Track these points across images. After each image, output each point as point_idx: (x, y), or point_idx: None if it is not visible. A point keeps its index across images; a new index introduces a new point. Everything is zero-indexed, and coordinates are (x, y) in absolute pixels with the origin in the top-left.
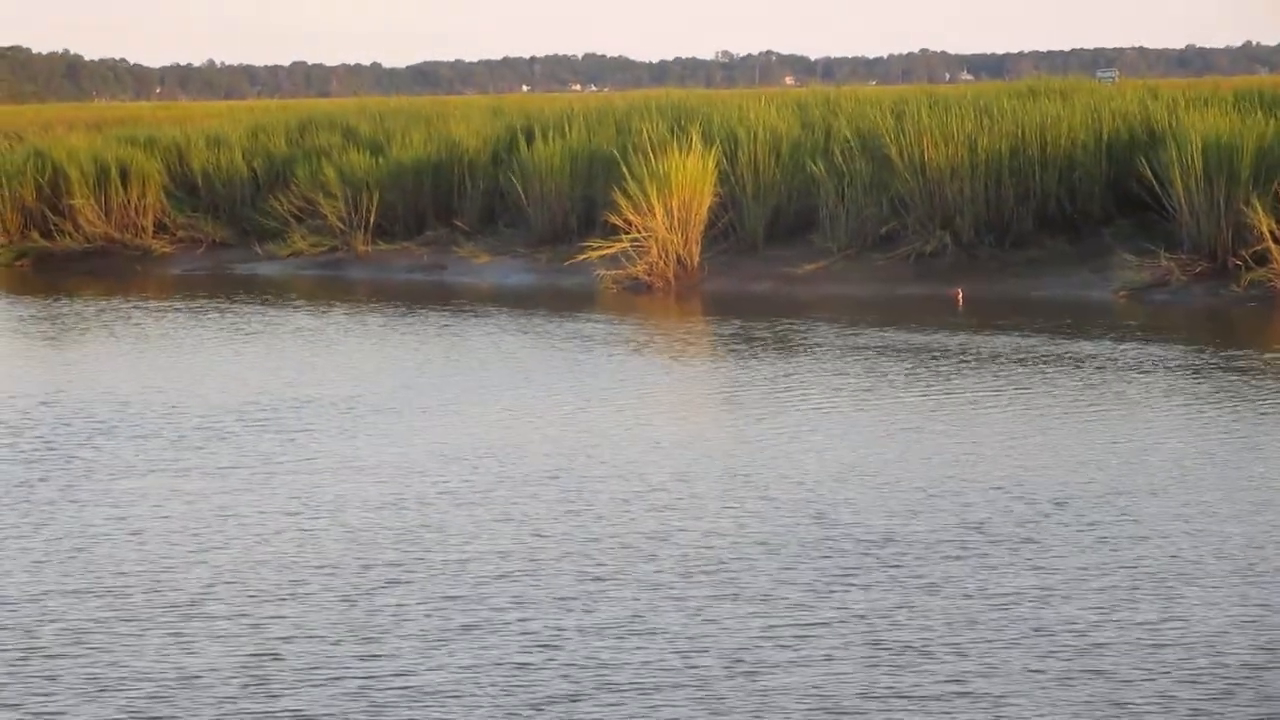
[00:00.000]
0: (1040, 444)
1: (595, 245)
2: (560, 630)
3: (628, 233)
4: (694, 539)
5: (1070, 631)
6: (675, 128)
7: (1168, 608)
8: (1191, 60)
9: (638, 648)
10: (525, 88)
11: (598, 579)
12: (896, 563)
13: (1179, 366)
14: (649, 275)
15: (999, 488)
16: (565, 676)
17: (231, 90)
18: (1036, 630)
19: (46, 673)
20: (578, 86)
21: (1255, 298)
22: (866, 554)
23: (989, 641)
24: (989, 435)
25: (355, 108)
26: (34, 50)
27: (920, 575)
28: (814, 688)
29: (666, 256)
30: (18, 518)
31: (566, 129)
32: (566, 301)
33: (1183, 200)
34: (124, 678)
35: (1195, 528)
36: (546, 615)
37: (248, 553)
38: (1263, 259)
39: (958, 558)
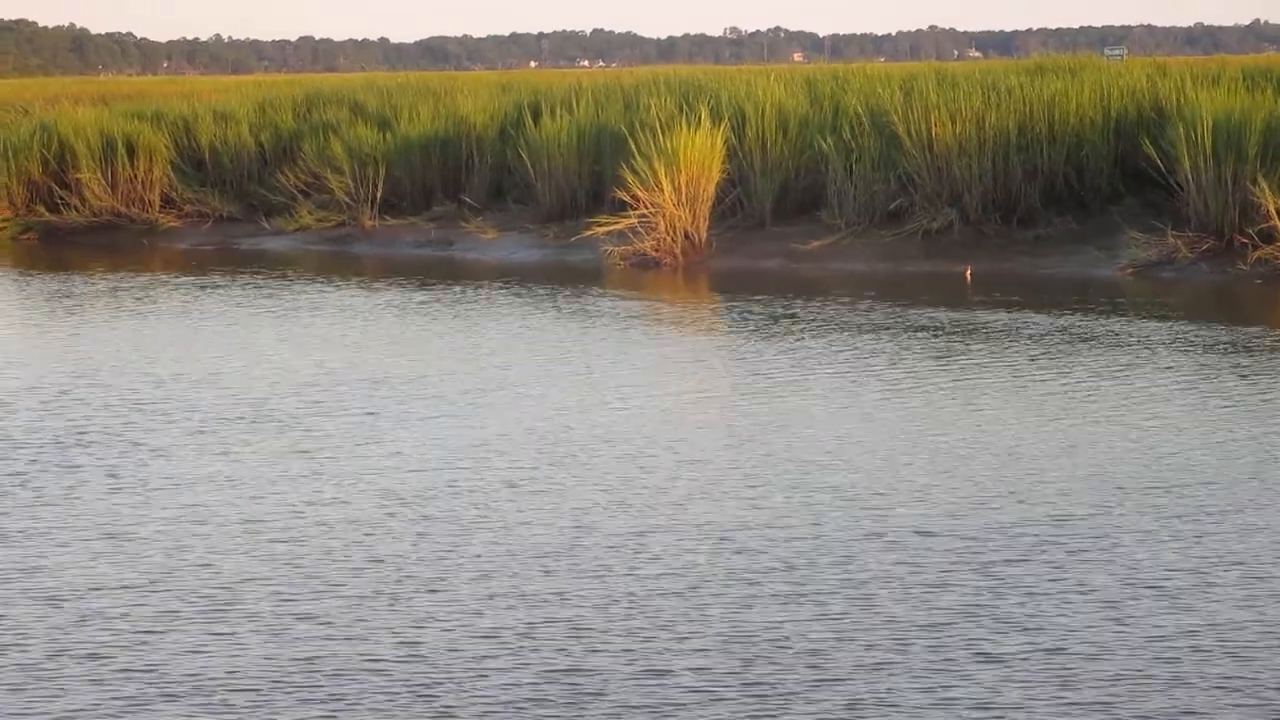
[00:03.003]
0: (1098, 423)
1: (603, 221)
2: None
3: (635, 209)
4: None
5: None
6: (683, 104)
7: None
8: (1200, 38)
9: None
10: (533, 63)
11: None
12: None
13: (1217, 344)
14: (656, 251)
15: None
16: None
17: (239, 65)
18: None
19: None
20: (586, 62)
21: (1262, 275)
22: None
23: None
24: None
25: (363, 83)
26: (40, 24)
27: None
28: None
29: (674, 233)
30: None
31: (574, 105)
32: (575, 278)
33: (1190, 178)
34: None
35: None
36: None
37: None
38: (1269, 237)
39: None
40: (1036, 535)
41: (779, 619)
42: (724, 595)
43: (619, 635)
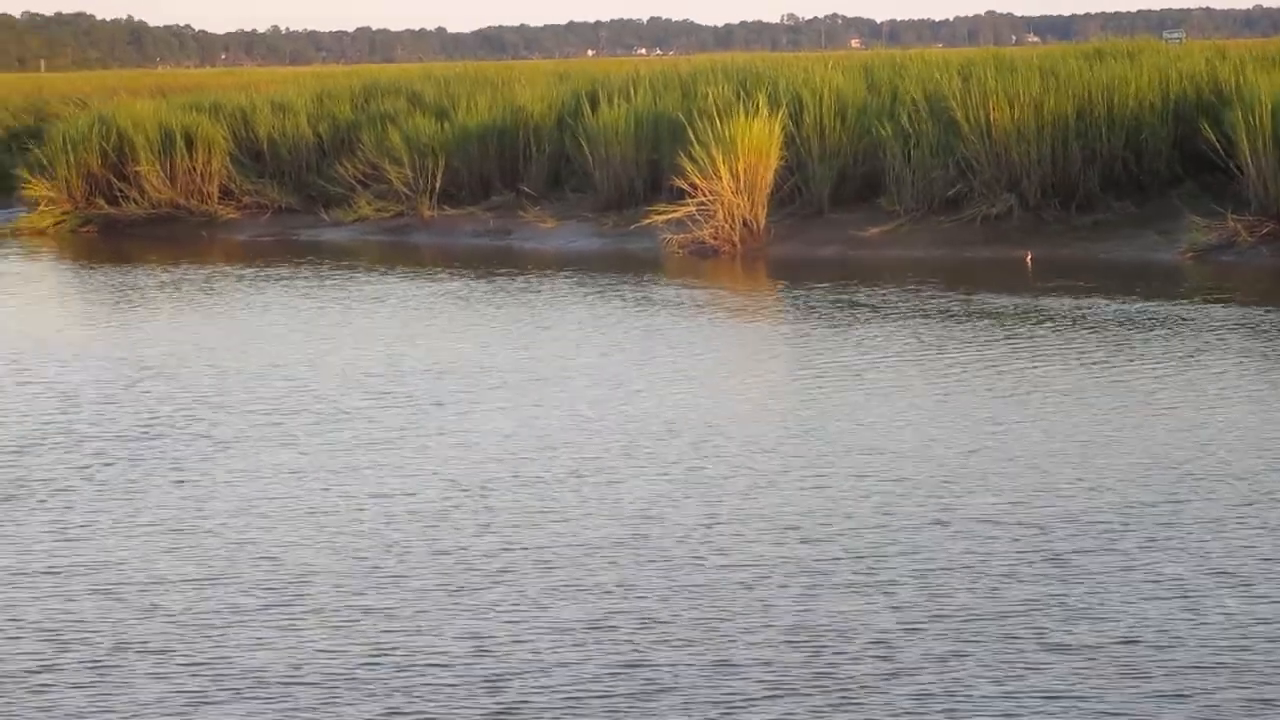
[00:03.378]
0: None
1: (661, 209)
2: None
3: (693, 197)
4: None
5: None
6: (740, 91)
7: None
8: (1258, 20)
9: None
10: (591, 52)
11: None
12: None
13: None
14: (715, 239)
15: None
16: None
17: (296, 56)
18: None
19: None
20: (643, 51)
21: None
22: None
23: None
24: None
25: (420, 73)
26: (98, 17)
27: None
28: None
29: (732, 220)
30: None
31: (632, 93)
32: (634, 266)
33: (1250, 161)
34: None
35: None
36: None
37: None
38: None
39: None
40: (1106, 523)
41: (845, 609)
42: (789, 586)
43: (685, 627)
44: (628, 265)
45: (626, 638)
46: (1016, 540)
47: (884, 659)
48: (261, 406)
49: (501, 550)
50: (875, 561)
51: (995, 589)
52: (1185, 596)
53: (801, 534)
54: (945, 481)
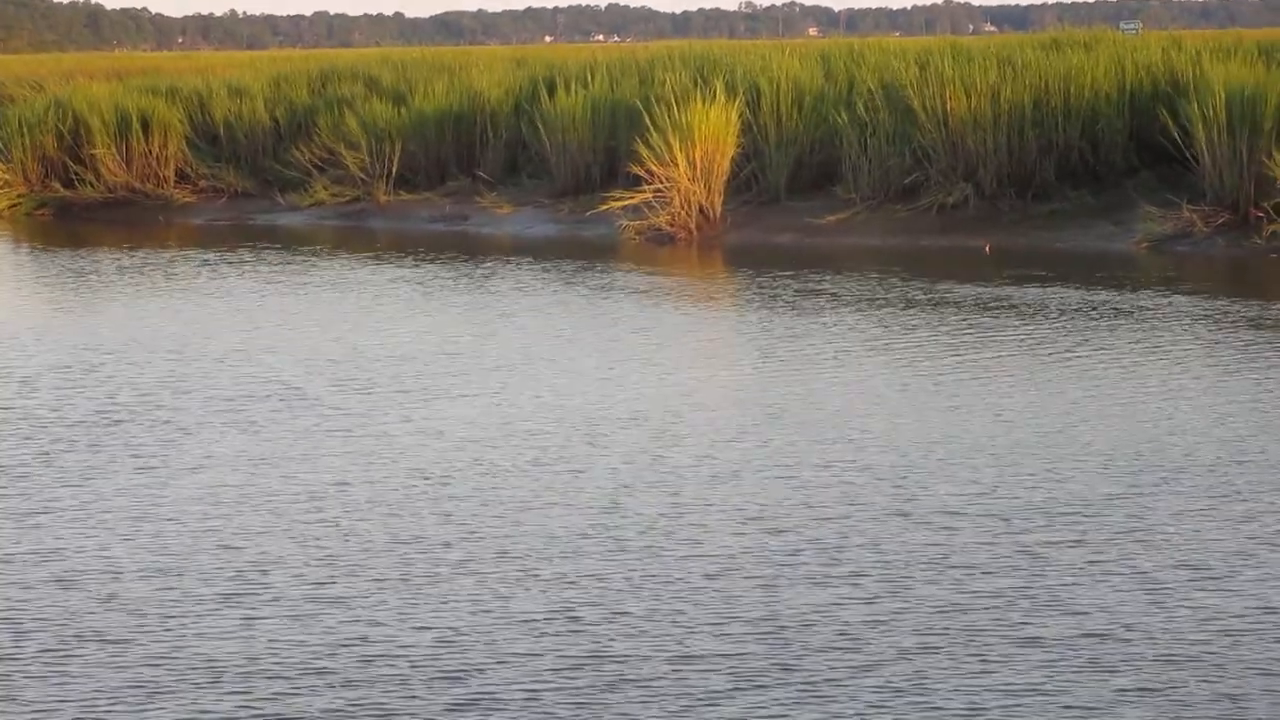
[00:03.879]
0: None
1: (618, 196)
2: None
3: (650, 183)
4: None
5: None
6: (698, 78)
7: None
8: (1215, 12)
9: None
10: (548, 38)
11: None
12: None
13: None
14: (671, 226)
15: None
16: None
17: (253, 40)
18: None
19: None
20: (601, 37)
21: (1276, 249)
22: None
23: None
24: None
25: (378, 58)
26: (55, 0)
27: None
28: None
29: (689, 207)
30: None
31: (589, 79)
32: (590, 252)
33: (1205, 152)
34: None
35: None
36: None
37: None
38: None
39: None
40: (1067, 514)
41: (810, 601)
42: (755, 577)
43: (647, 618)
44: (584, 251)
45: (588, 629)
46: (980, 531)
47: (851, 650)
48: (221, 392)
49: (462, 540)
50: (838, 552)
51: (958, 580)
52: (1150, 590)
53: (765, 524)
54: (906, 472)
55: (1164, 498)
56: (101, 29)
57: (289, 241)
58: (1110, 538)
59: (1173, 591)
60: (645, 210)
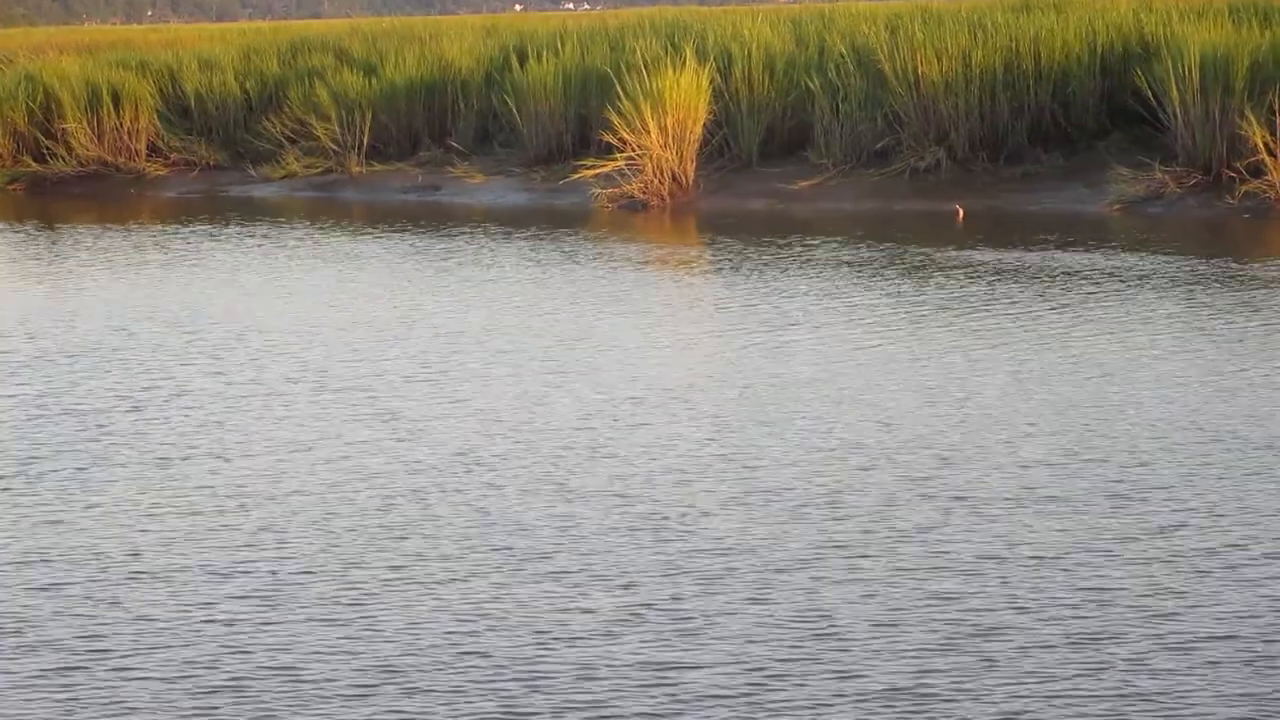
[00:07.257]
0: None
1: (590, 164)
2: None
3: (622, 151)
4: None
5: None
6: (669, 45)
7: None
8: None
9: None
10: (519, 6)
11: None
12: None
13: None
14: (644, 193)
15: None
16: None
17: (223, 13)
18: None
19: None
20: (571, 5)
21: (1249, 209)
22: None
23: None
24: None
25: (348, 29)
26: None
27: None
28: None
29: (661, 174)
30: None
31: (560, 48)
32: (562, 221)
33: (1177, 113)
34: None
35: None
36: None
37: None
38: (1257, 171)
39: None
40: (1044, 487)
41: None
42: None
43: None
44: (557, 220)
45: (547, 626)
46: (947, 501)
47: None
48: (209, 367)
49: (408, 523)
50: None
51: (921, 541)
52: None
53: (749, 508)
54: (883, 437)
55: (1136, 470)
56: (71, 3)
57: (262, 214)
58: (1078, 509)
59: (1131, 563)
60: (617, 178)
